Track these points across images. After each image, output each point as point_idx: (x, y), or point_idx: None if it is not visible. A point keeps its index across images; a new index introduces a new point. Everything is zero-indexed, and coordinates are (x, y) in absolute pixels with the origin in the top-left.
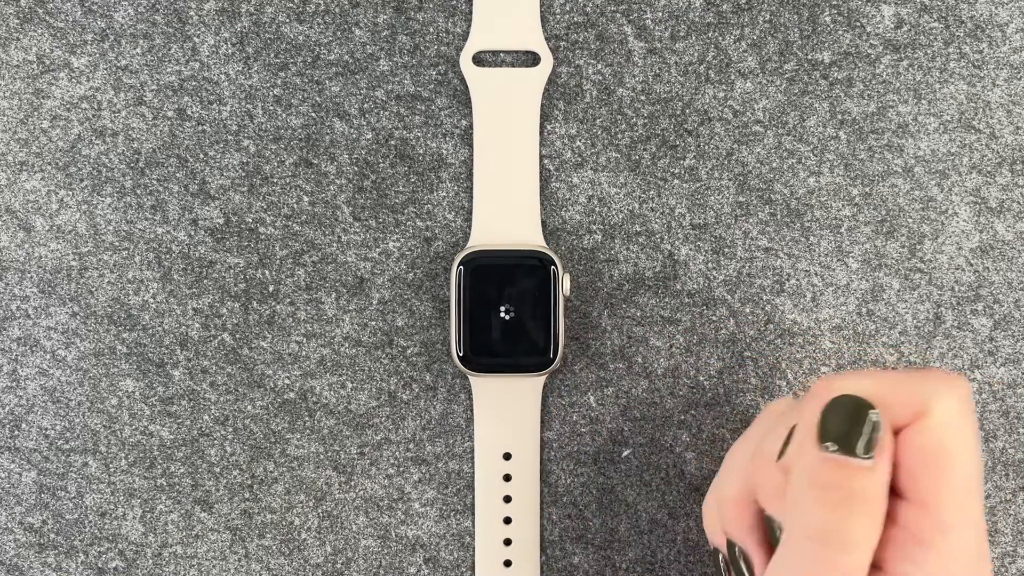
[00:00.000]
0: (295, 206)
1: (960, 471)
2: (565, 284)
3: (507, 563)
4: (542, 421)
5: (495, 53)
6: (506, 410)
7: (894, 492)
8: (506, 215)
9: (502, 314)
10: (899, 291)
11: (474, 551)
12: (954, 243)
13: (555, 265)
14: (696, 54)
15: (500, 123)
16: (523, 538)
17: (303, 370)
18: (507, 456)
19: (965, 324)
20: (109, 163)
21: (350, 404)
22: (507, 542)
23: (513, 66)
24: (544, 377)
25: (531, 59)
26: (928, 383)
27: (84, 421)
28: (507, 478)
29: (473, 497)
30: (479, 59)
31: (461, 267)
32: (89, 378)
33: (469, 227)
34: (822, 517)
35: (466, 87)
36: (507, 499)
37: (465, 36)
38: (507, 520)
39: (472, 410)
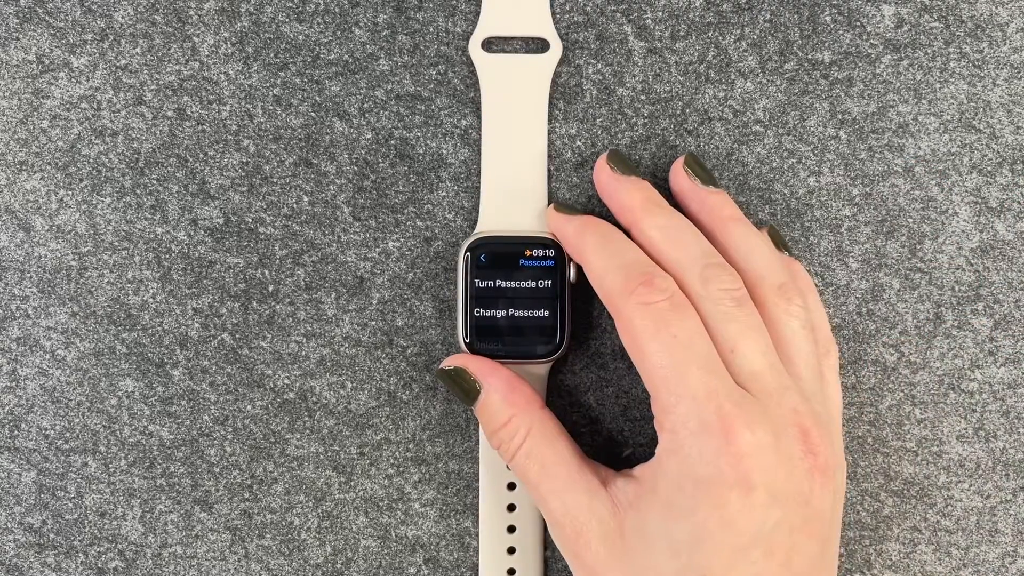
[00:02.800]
0: (295, 206)
1: None
2: (571, 271)
3: (511, 550)
4: None
5: (504, 39)
6: None
7: None
8: (514, 202)
9: (509, 301)
10: (899, 291)
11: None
12: (954, 243)
13: (562, 252)
14: (696, 54)
15: (509, 110)
16: (526, 523)
17: (303, 370)
18: None
19: (965, 324)
20: (109, 163)
21: (350, 404)
22: (511, 529)
23: (522, 52)
24: (549, 364)
25: (540, 46)
26: None
27: (84, 421)
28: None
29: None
30: (488, 45)
31: (468, 253)
32: (89, 378)
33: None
34: None
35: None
36: (511, 486)
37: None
38: (511, 507)
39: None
